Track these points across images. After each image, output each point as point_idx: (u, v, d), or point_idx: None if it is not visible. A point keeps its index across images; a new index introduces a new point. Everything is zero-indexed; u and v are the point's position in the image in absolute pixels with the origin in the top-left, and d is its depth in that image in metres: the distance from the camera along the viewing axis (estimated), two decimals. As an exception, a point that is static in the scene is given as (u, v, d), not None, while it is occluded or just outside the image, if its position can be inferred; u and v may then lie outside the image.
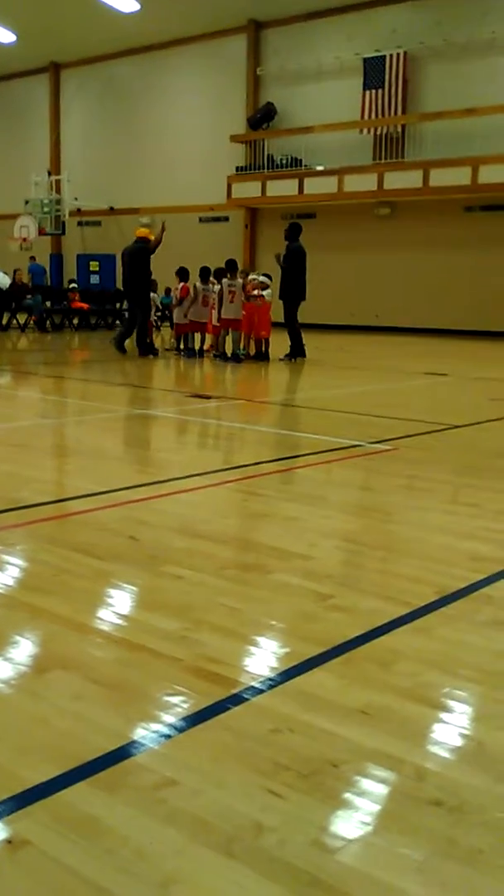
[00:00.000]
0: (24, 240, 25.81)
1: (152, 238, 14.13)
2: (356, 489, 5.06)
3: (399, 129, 22.59)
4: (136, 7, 24.33)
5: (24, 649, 2.60)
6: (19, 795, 1.81)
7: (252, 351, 13.75)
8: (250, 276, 13.84)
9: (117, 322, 22.22)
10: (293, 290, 13.37)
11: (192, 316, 13.87)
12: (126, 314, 16.53)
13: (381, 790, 1.87)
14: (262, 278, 13.84)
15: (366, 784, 1.88)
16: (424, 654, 2.59)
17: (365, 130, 23.04)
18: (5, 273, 20.28)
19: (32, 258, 22.91)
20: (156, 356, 13.69)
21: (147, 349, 13.75)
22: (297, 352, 13.43)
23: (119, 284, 23.16)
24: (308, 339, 13.69)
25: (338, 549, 3.72)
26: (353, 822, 1.75)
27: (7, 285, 20.04)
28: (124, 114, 28.41)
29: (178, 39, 26.32)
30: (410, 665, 2.50)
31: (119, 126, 28.58)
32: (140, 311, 14.04)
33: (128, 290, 14.35)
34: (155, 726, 2.11)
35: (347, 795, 1.84)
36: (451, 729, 2.16)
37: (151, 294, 14.79)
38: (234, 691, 2.31)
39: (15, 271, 20.43)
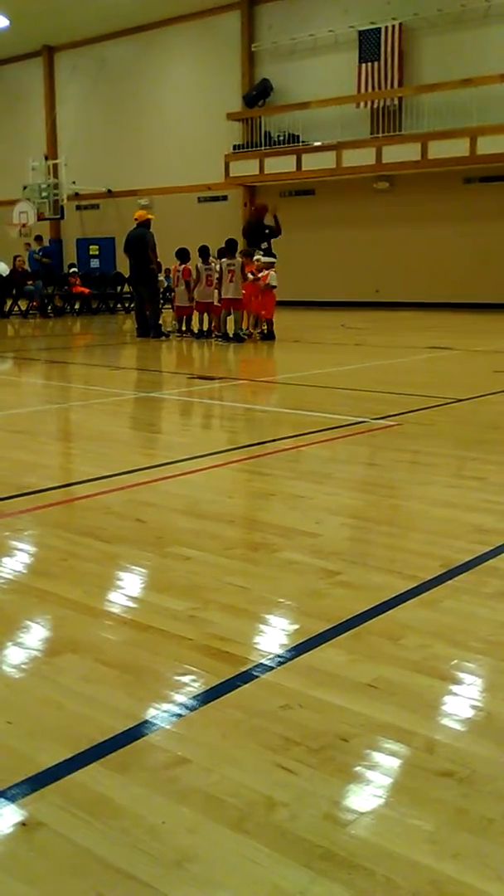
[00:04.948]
0: (24, 225, 25.72)
1: (151, 218, 14.10)
2: (361, 465, 5.06)
3: (396, 102, 22.40)
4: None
5: (34, 633, 2.62)
6: (33, 778, 1.82)
7: (255, 331, 13.73)
8: (255, 257, 13.78)
9: (118, 306, 22.18)
10: None
11: (197, 297, 13.89)
12: (133, 299, 16.53)
13: (392, 763, 1.88)
14: (266, 259, 13.77)
15: (376, 757, 1.90)
16: (432, 626, 2.60)
17: (362, 104, 22.85)
18: (3, 261, 20.26)
19: (39, 238, 22.79)
20: (167, 338, 13.72)
21: (157, 332, 13.80)
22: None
23: (119, 268, 23.12)
24: (309, 316, 13.66)
25: (344, 526, 3.73)
26: (364, 795, 1.76)
27: (6, 272, 20.00)
28: (119, 95, 28.21)
29: (172, 18, 26.08)
30: (418, 638, 2.51)
31: (115, 108, 28.39)
32: (148, 294, 14.03)
33: (133, 274, 14.33)
34: (166, 706, 2.13)
35: (358, 769, 1.85)
36: (461, 700, 2.17)
37: (160, 277, 14.79)
38: (244, 669, 2.32)
39: (15, 258, 20.39)
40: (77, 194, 28.17)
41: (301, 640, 2.51)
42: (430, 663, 2.35)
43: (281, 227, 14.41)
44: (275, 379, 9.52)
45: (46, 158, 28.06)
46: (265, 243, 13.83)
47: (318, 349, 12.47)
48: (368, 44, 22.54)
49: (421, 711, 2.10)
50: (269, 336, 13.34)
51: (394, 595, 2.85)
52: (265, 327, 13.44)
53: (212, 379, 9.06)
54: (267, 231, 13.82)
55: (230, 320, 13.32)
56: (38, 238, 22.39)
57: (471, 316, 19.23)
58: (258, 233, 13.96)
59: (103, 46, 28.36)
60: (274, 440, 5.69)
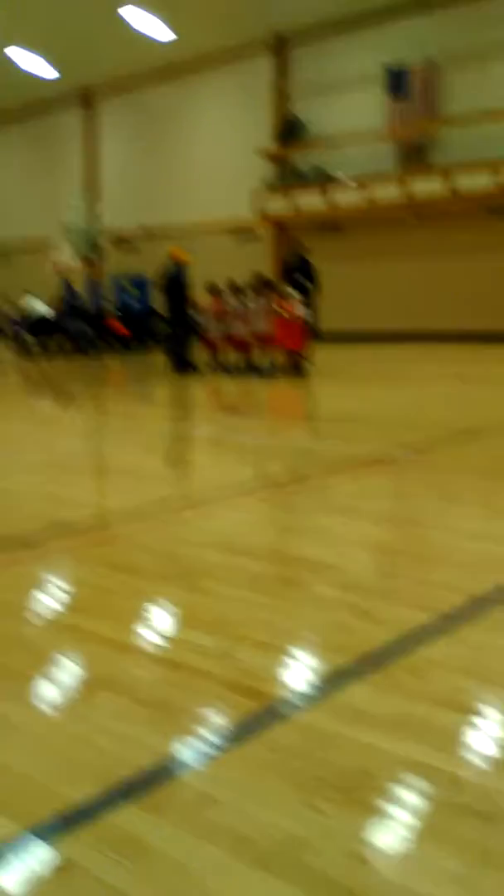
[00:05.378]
0: (62, 265, 26.16)
1: (185, 257, 14.31)
2: (389, 498, 5.07)
3: (425, 137, 22.58)
4: (173, 36, 24.68)
5: (67, 669, 2.65)
6: (64, 816, 1.85)
7: (282, 363, 13.82)
8: (286, 291, 13.88)
9: (153, 342, 22.42)
10: None
11: (228, 331, 14.03)
12: (166, 335, 16.74)
13: (418, 800, 1.89)
14: (296, 294, 13.87)
15: (403, 795, 1.90)
16: (459, 662, 2.59)
17: (391, 140, 23.06)
18: (40, 299, 20.61)
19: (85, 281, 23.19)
20: (199, 373, 13.86)
21: (188, 366, 13.95)
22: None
23: (155, 305, 23.38)
24: (339, 349, 13.71)
25: (371, 559, 3.74)
26: (391, 833, 1.77)
27: (45, 312, 20.35)
28: (156, 136, 28.74)
29: (207, 61, 26.58)
30: (445, 674, 2.51)
31: (151, 148, 28.91)
32: (181, 329, 14.21)
33: (168, 311, 14.52)
34: (196, 744, 2.15)
35: (385, 807, 1.86)
36: (488, 738, 2.17)
37: (190, 312, 14.98)
38: (273, 706, 2.34)
39: (56, 296, 20.73)
40: (115, 234, 28.65)
41: (329, 676, 2.52)
42: (458, 699, 2.35)
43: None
44: (304, 412, 9.56)
45: (86, 199, 28.60)
46: (299, 275, 13.80)
47: (347, 381, 12.50)
48: (396, 80, 22.78)
49: (448, 748, 2.10)
50: (299, 369, 13.40)
51: (421, 630, 2.85)
52: (296, 361, 13.51)
53: (241, 413, 9.12)
54: (306, 264, 13.81)
55: (260, 354, 13.41)
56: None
57: (500, 346, 19.17)
58: (298, 267, 13.94)
59: (142, 90, 28.95)
60: (303, 473, 5.72)
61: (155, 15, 24.07)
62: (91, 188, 30.27)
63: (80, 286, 27.56)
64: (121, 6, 23.64)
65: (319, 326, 14.03)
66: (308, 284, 13.70)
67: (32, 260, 29.27)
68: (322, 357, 14.98)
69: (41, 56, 27.27)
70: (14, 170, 33.56)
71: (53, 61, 27.45)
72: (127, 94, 29.33)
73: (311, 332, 13.89)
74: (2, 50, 26.69)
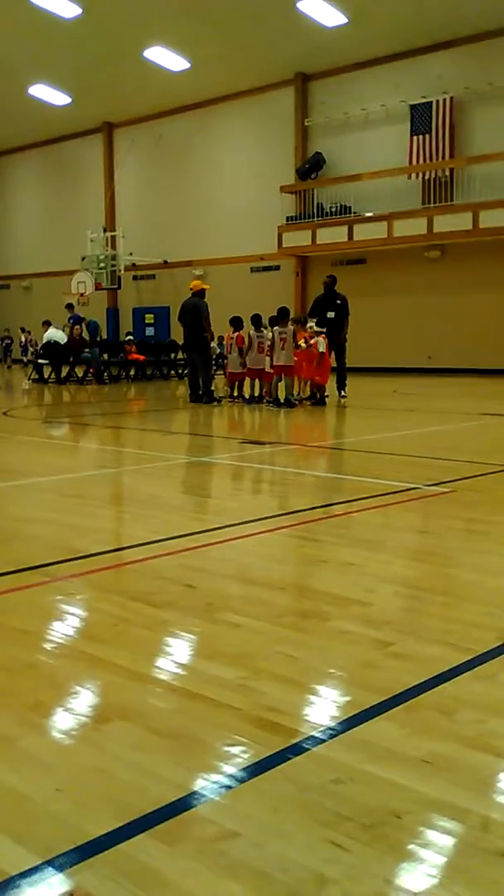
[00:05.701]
0: (82, 295, 26.43)
1: (206, 288, 14.42)
2: (414, 533, 5.01)
3: (447, 173, 22.74)
4: (187, 66, 25.02)
5: (83, 700, 2.61)
6: (80, 847, 1.81)
7: (306, 395, 13.87)
8: (308, 325, 13.93)
9: (172, 372, 22.54)
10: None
11: (249, 363, 14.10)
12: (186, 366, 16.86)
13: (446, 841, 1.83)
14: (317, 327, 13.90)
15: (430, 835, 1.84)
16: (488, 701, 2.53)
17: (413, 175, 23.24)
18: (60, 328, 20.76)
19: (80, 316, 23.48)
20: (219, 403, 13.90)
21: (210, 397, 14.01)
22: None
23: (174, 336, 23.55)
24: (362, 383, 13.71)
25: (397, 595, 3.68)
26: (417, 874, 1.71)
27: (64, 340, 20.51)
28: (176, 169, 29.08)
29: (227, 95, 26.96)
30: (474, 713, 2.45)
31: (171, 181, 29.24)
32: (201, 361, 14.28)
33: (187, 342, 14.60)
34: (215, 777, 2.10)
35: (411, 847, 1.80)
36: (518, 778, 2.11)
37: (212, 344, 15.07)
38: (295, 741, 2.28)
39: (73, 326, 20.89)
40: (134, 265, 28.92)
41: (353, 713, 2.46)
42: (486, 739, 2.29)
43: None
44: (326, 444, 9.53)
45: (105, 230, 28.94)
46: (332, 313, 13.78)
47: (370, 415, 12.47)
48: (420, 117, 23.02)
49: (476, 789, 2.04)
50: (320, 402, 13.41)
51: (448, 668, 2.79)
52: (318, 393, 13.54)
53: (263, 444, 9.10)
54: (339, 302, 13.82)
55: (281, 386, 13.44)
56: (70, 306, 22.69)
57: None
58: (330, 304, 13.92)
59: (160, 122, 29.38)
60: (325, 506, 5.67)
61: (179, 54, 24.48)
62: (112, 220, 30.63)
63: (99, 317, 27.82)
64: (146, 48, 24.07)
65: (344, 361, 14.02)
66: (337, 318, 13.68)
67: (52, 290, 29.58)
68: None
69: (65, 93, 27.78)
70: (37, 202, 34.08)
71: (76, 98, 27.94)
72: (148, 129, 29.77)
73: (337, 368, 13.90)
74: (26, 88, 27.21)
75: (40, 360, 20.97)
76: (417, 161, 23.09)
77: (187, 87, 26.36)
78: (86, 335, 20.92)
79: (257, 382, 14.44)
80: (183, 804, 1.98)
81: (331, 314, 13.60)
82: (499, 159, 21.31)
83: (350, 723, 2.40)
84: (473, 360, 22.54)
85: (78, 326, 21.04)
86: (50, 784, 2.08)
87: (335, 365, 13.87)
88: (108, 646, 3.03)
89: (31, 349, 29.43)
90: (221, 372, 17.17)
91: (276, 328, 13.39)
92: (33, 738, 2.34)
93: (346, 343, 13.92)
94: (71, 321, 21.35)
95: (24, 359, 30.55)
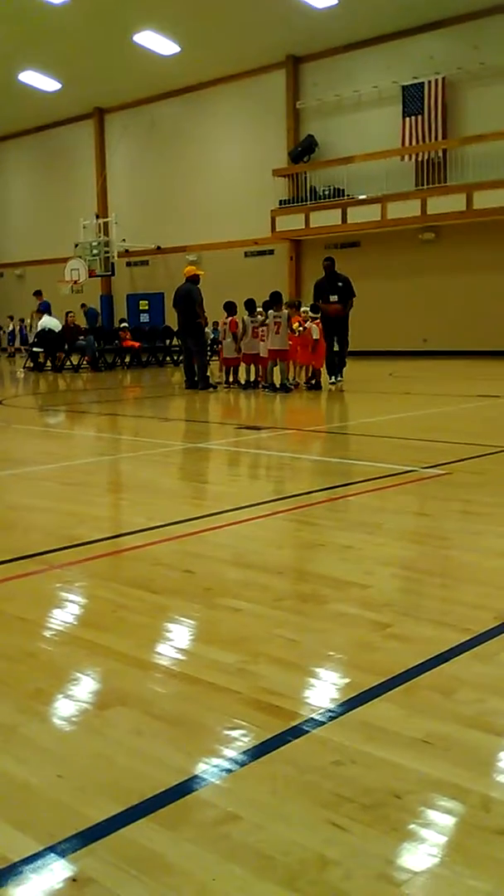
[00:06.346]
0: (75, 282, 26.33)
1: (200, 274, 14.37)
2: (411, 515, 5.02)
3: (440, 154, 22.63)
4: (177, 50, 24.84)
5: (84, 686, 2.62)
6: (83, 833, 1.81)
7: (302, 380, 13.84)
8: (302, 309, 13.87)
9: (167, 359, 22.50)
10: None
11: (244, 348, 14.07)
12: (181, 352, 16.81)
13: (447, 821, 1.84)
14: (311, 313, 13.81)
15: (430, 815, 1.85)
16: (487, 680, 2.54)
17: (406, 157, 23.12)
18: (56, 317, 20.73)
19: (83, 305, 23.49)
20: (214, 389, 13.87)
21: (205, 383, 13.99)
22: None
23: (168, 322, 23.50)
24: (357, 366, 13.68)
25: (395, 577, 3.69)
26: (418, 853, 1.72)
27: (59, 328, 20.46)
28: (168, 154, 28.91)
29: (218, 78, 26.77)
30: (473, 693, 2.46)
31: (163, 166, 29.08)
32: (196, 347, 14.26)
33: (182, 328, 14.56)
34: (216, 761, 2.11)
35: (412, 827, 1.81)
36: (517, 757, 2.12)
37: (206, 330, 15.03)
38: (295, 723, 2.29)
39: (67, 314, 20.85)
40: (127, 251, 28.79)
41: (352, 695, 2.47)
42: (485, 718, 2.30)
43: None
44: (322, 428, 9.53)
45: (97, 217, 28.80)
46: (334, 297, 13.60)
47: (366, 398, 12.47)
48: (412, 98, 22.88)
49: (476, 768, 2.05)
50: (316, 386, 13.40)
51: (447, 648, 2.80)
52: (314, 378, 13.52)
53: (259, 429, 9.10)
54: (341, 284, 13.63)
55: (276, 371, 13.42)
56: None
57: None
58: (332, 286, 13.74)
59: (152, 107, 29.18)
60: (322, 490, 5.68)
61: (170, 38, 24.30)
62: (104, 207, 30.48)
63: (93, 303, 27.74)
64: (136, 32, 23.89)
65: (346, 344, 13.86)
66: (342, 301, 13.51)
67: (46, 278, 29.48)
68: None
69: (55, 79, 27.59)
70: (29, 190, 33.89)
71: (67, 83, 27.75)
72: (140, 114, 29.59)
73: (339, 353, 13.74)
74: (15, 75, 27.02)
75: (35, 349, 20.93)
76: (410, 142, 22.96)
77: (178, 71, 26.17)
78: (81, 322, 20.88)
79: (252, 368, 14.42)
80: (184, 788, 1.98)
81: (333, 298, 13.47)
82: (492, 139, 21.21)
83: (350, 704, 2.40)
84: (469, 343, 22.50)
85: (73, 314, 20.99)
86: (51, 770, 2.09)
87: (337, 348, 13.70)
88: (107, 632, 3.04)
89: (18, 336, 29.40)
90: (216, 358, 17.13)
91: (270, 312, 13.34)
92: (34, 725, 2.34)
93: (348, 325, 13.64)
94: (41, 308, 21.41)
95: (10, 348, 30.50)
